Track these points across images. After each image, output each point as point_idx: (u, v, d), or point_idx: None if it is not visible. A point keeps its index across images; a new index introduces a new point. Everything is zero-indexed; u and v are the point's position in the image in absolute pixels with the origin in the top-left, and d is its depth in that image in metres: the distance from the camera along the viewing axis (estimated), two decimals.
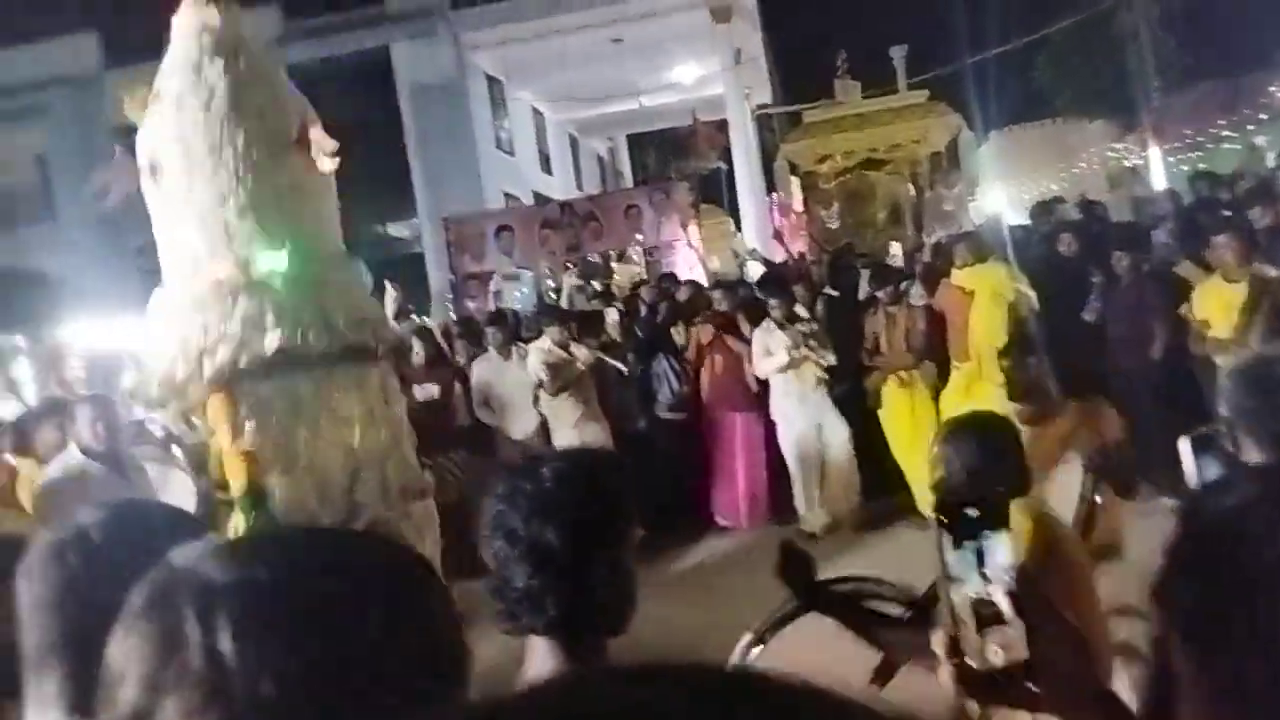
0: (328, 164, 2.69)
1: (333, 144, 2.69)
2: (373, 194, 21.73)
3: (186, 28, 2.43)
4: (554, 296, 14.49)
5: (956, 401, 6.15)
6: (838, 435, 6.38)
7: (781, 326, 6.33)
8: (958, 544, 0.91)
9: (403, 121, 20.06)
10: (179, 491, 4.38)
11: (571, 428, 6.48)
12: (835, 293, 8.01)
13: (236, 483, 2.34)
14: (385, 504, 2.47)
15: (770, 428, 6.88)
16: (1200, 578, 0.75)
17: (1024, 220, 9.97)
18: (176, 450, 5.15)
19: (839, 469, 6.41)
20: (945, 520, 0.95)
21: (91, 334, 7.45)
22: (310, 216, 2.33)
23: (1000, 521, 0.93)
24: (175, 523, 1.07)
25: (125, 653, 0.65)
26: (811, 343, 6.25)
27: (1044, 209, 9.11)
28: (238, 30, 2.42)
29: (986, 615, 0.87)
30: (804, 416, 6.36)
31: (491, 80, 21.55)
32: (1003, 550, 0.90)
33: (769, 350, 6.38)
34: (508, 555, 1.28)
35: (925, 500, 6.27)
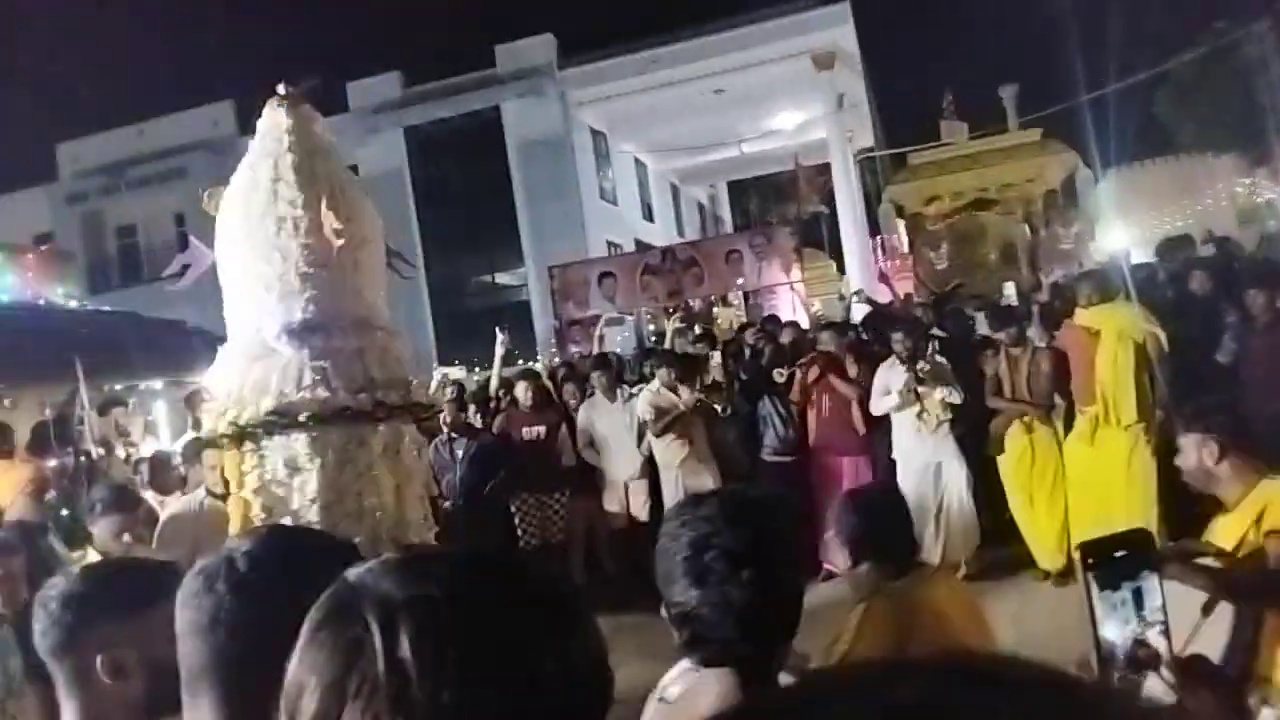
0: (339, 241, 2.94)
1: (338, 224, 2.91)
2: (483, 245, 22.55)
3: (260, 127, 2.93)
4: (654, 340, 14.62)
5: (1082, 447, 5.86)
6: (957, 476, 6.16)
7: (905, 362, 6.19)
8: (1106, 587, 0.87)
9: (511, 176, 20.76)
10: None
11: (677, 468, 6.47)
12: (943, 334, 7.80)
13: (234, 525, 2.63)
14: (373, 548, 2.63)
15: (878, 471, 6.73)
16: None
17: (1148, 258, 9.52)
18: None
19: (957, 511, 6.18)
20: (1092, 562, 0.90)
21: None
22: (351, 292, 2.66)
23: (1151, 563, 0.89)
24: (323, 546, 1.10)
25: (307, 664, 0.68)
26: (931, 382, 6.08)
27: (1172, 245, 8.69)
28: (305, 133, 2.75)
29: (1144, 657, 0.84)
30: (923, 455, 6.17)
31: (596, 134, 22.12)
32: (1157, 592, 0.86)
33: (888, 388, 6.24)
34: (710, 577, 1.32)
35: (1042, 552, 5.96)
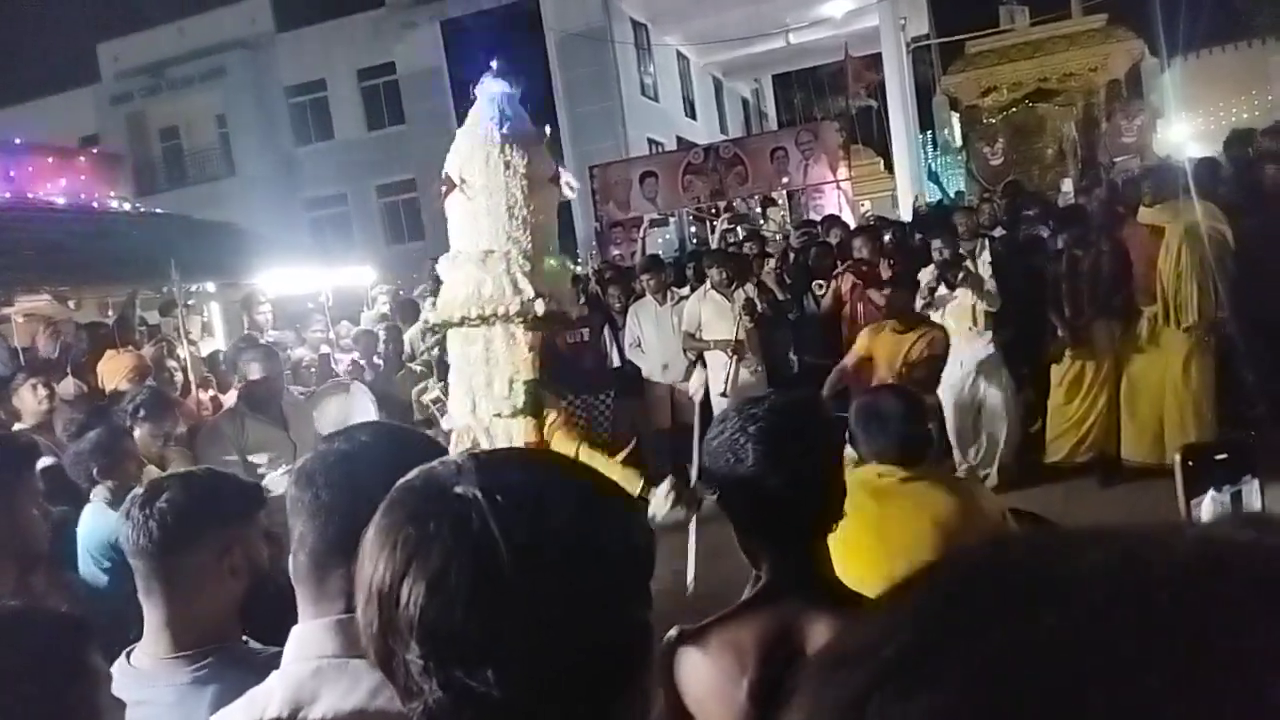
0: (570, 194, 3.75)
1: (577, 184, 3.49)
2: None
3: (484, 91, 3.50)
4: (695, 242, 14.45)
5: (1141, 348, 5.77)
6: (996, 383, 6.12)
7: (942, 269, 6.07)
8: (1204, 489, 0.87)
9: (550, 72, 20.30)
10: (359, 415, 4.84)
11: (724, 369, 6.49)
12: (1002, 232, 7.61)
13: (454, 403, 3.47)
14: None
15: None
16: None
17: (1214, 151, 9.12)
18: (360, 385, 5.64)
19: (994, 417, 6.17)
20: (1192, 464, 0.90)
21: (274, 280, 8.02)
22: (542, 225, 3.44)
23: (1251, 467, 0.88)
24: (427, 443, 1.20)
25: (407, 551, 0.70)
26: (966, 288, 5.97)
27: (1240, 139, 8.30)
28: (518, 107, 3.49)
29: None
30: (962, 363, 6.14)
31: (637, 26, 21.43)
32: (1257, 496, 0.86)
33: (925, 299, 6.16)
34: (764, 468, 1.44)
35: (1081, 456, 5.94)
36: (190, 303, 7.54)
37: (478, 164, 3.42)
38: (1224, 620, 0.30)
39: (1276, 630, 0.29)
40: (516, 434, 3.36)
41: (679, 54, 23.44)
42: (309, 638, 1.03)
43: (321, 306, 7.66)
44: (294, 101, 23.71)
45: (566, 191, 3.69)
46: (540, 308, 3.25)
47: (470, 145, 3.48)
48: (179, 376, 5.59)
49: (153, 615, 1.53)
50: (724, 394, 6.23)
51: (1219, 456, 0.90)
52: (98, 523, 3.03)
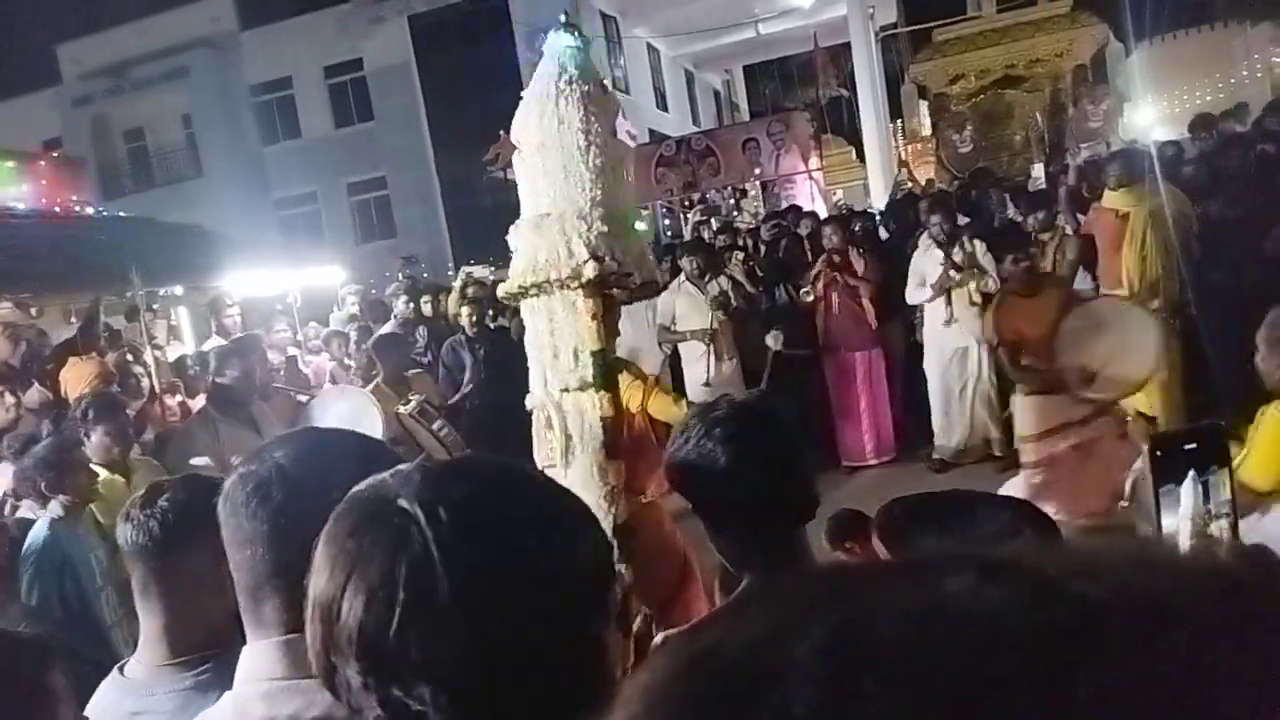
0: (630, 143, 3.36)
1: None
2: (494, 140, 22.11)
3: (550, 46, 3.29)
4: (669, 235, 14.42)
5: None
6: (985, 361, 6.16)
7: (941, 247, 6.11)
8: (1174, 479, 0.86)
9: (519, 65, 20.17)
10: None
11: (698, 361, 6.49)
12: (967, 219, 7.66)
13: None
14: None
15: (892, 363, 6.74)
16: None
17: (1179, 135, 9.22)
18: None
19: (983, 396, 6.23)
20: (1161, 454, 0.89)
21: (242, 282, 7.91)
22: (611, 187, 3.23)
23: (1220, 458, 0.88)
24: (366, 449, 1.11)
25: (343, 568, 0.69)
26: (969, 268, 6.00)
27: (1204, 122, 8.40)
28: (586, 61, 3.26)
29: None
30: (952, 341, 6.18)
31: (606, 18, 21.35)
32: (1225, 486, 0.85)
33: (924, 277, 6.18)
34: (741, 467, 1.46)
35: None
36: (155, 307, 7.42)
37: (533, 122, 3.27)
38: (943, 702, 0.29)
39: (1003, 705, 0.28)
40: (589, 408, 3.21)
41: (649, 46, 23.39)
42: (257, 659, 1.01)
43: (290, 308, 7.56)
44: (260, 100, 23.42)
45: (627, 140, 3.61)
46: (592, 270, 3.14)
47: (527, 104, 3.34)
48: (145, 382, 5.50)
49: (150, 621, 1.50)
50: (707, 384, 6.22)
51: (1188, 446, 0.89)
52: (36, 538, 2.97)
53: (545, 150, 3.31)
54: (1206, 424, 0.93)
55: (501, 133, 3.53)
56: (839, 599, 0.33)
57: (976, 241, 6.09)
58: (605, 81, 3.49)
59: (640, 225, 4.37)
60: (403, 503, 0.70)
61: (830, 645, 0.31)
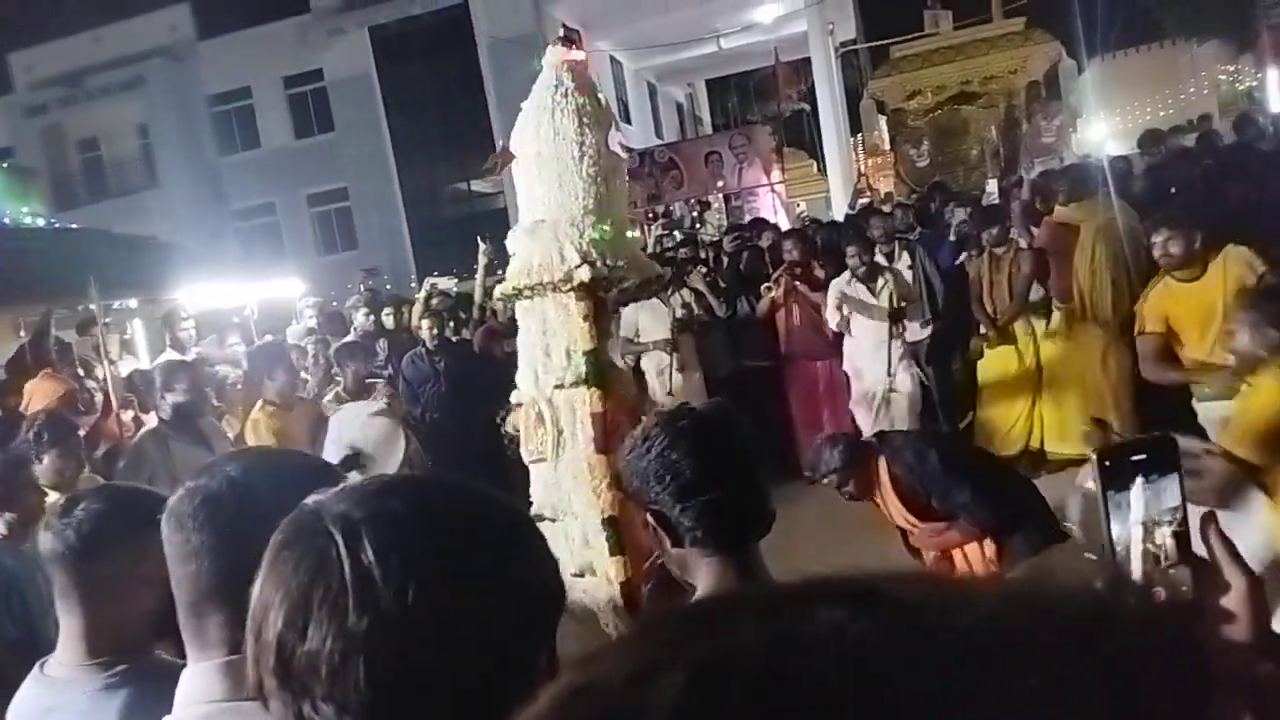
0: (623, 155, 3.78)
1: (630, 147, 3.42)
2: (456, 151, 22.03)
3: (549, 59, 3.47)
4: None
5: (1059, 344, 5.92)
6: (907, 388, 6.14)
7: (856, 276, 6.12)
8: (1117, 487, 0.87)
9: (483, 78, 20.12)
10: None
11: (659, 374, 6.49)
12: (925, 232, 7.77)
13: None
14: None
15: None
16: None
17: (1130, 150, 9.45)
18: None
19: (904, 411, 6.17)
20: (1109, 464, 0.90)
21: (199, 295, 7.78)
22: (604, 195, 3.39)
23: (1170, 465, 0.89)
24: (312, 469, 1.14)
25: (271, 583, 0.70)
26: (884, 296, 6.05)
27: (1153, 137, 8.61)
28: (583, 75, 3.47)
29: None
30: (875, 369, 6.15)
31: (569, 31, 21.39)
32: (1175, 494, 0.86)
33: (838, 304, 6.19)
34: (703, 476, 1.45)
35: (1003, 441, 6.03)
36: (108, 320, 7.27)
37: (530, 133, 3.40)
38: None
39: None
40: (579, 404, 3.31)
41: (612, 59, 23.44)
42: (197, 681, 1.00)
43: (246, 321, 7.44)
44: (218, 110, 23.12)
45: (619, 152, 3.69)
46: (585, 274, 3.16)
47: (525, 114, 3.48)
48: (98, 397, 5.38)
49: (68, 623, 1.55)
50: (670, 393, 6.22)
51: (1136, 458, 0.89)
52: None
53: (542, 159, 3.36)
54: (1155, 435, 0.94)
55: (500, 141, 3.65)
56: (702, 637, 0.34)
57: (902, 263, 6.19)
58: (601, 96, 3.59)
59: (633, 233, 4.50)
60: (327, 522, 0.71)
61: (687, 688, 0.31)
